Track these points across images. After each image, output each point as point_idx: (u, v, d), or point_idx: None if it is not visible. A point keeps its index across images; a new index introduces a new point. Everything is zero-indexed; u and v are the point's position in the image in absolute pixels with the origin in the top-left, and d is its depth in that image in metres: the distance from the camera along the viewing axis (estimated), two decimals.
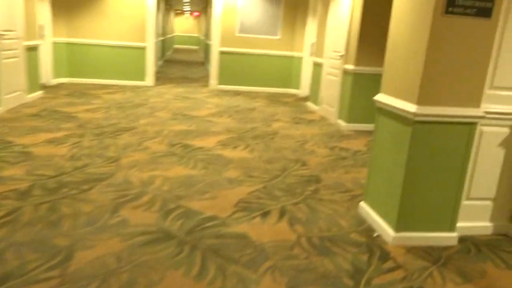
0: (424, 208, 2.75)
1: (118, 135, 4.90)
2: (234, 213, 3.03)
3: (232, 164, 4.15)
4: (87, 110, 6.13)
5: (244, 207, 3.15)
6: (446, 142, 2.64)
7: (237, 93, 8.80)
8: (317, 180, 3.88)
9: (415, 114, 2.53)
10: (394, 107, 2.74)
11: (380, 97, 2.94)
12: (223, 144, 4.83)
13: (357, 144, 5.29)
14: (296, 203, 3.30)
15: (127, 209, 2.96)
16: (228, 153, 4.51)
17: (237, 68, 9.17)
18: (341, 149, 5.02)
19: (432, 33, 2.43)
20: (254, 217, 2.98)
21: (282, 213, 3.09)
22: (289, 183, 3.73)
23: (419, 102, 2.54)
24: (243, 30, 8.95)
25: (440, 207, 2.76)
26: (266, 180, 3.77)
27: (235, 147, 4.74)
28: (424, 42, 2.48)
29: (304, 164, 4.32)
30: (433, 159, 2.66)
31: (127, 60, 8.80)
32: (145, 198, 3.17)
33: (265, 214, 3.05)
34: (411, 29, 2.63)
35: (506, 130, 2.88)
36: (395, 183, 2.76)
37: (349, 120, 6.09)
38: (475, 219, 3.03)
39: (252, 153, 4.56)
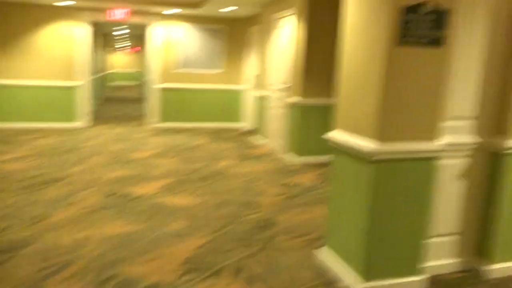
0: (392, 251, 2.52)
1: (46, 187, 4.35)
2: (181, 276, 2.64)
3: (177, 213, 3.76)
4: (11, 160, 5.49)
5: (193, 266, 2.77)
6: (408, 179, 2.46)
7: (180, 131, 8.42)
8: (272, 224, 3.58)
9: (374, 153, 2.33)
10: (351, 145, 2.53)
11: (335, 135, 2.74)
12: (167, 190, 4.43)
13: (309, 179, 5.09)
14: (251, 255, 2.96)
15: (53, 284, 2.48)
16: (172, 200, 4.11)
17: (179, 104, 8.83)
18: (293, 185, 4.79)
19: (386, 65, 2.27)
20: (205, 279, 2.61)
21: (238, 269, 2.75)
22: (242, 231, 3.40)
23: (378, 139, 2.35)
24: (184, 64, 8.68)
25: (409, 248, 2.56)
26: (216, 229, 3.42)
27: (179, 193, 4.35)
28: (379, 74, 2.31)
29: (256, 206, 4.02)
30: (397, 198, 2.46)
31: (59, 101, 8.18)
32: (75, 267, 2.70)
33: (218, 273, 2.68)
34: (364, 62, 2.46)
35: (461, 161, 2.76)
36: (358, 226, 2.53)
37: (298, 153, 5.92)
38: (442, 257, 2.86)
39: (198, 198, 4.19)
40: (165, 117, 8.80)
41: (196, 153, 6.31)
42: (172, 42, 8.56)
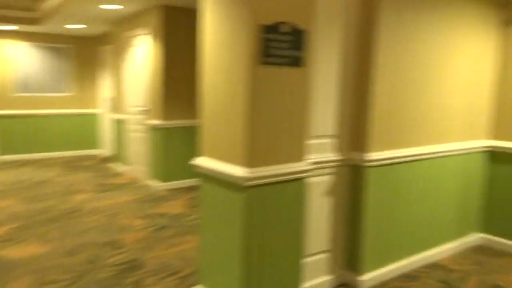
0: (271, 279, 2.38)
1: None
2: None
3: (21, 268, 3.10)
4: None
5: None
6: (281, 202, 2.36)
7: (25, 163, 7.31)
8: (138, 265, 3.18)
9: (245, 179, 2.17)
10: (221, 172, 2.33)
11: (202, 161, 2.51)
12: (6, 240, 3.67)
13: (177, 206, 4.78)
14: None
15: None
16: (13, 252, 3.40)
17: (22, 133, 7.68)
18: (160, 215, 4.42)
19: (249, 86, 2.13)
20: None
21: None
22: (104, 278, 2.93)
23: (247, 164, 2.19)
24: (24, 88, 7.59)
25: (288, 272, 2.44)
26: (72, 281, 2.89)
27: (23, 241, 3.64)
28: (243, 96, 2.17)
29: (118, 246, 3.56)
30: (271, 223, 2.33)
31: None
32: None
33: None
34: (226, 84, 2.30)
35: (326, 178, 2.79)
36: (232, 257, 2.33)
37: (164, 178, 5.56)
38: (318, 275, 2.84)
39: (48, 245, 3.55)
40: (5, 149, 7.57)
41: (45, 189, 5.48)
42: (7, 62, 7.44)
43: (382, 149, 2.87)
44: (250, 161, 2.19)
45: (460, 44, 3.28)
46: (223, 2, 2.27)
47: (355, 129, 2.85)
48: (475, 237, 3.75)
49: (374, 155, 2.81)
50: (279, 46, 2.18)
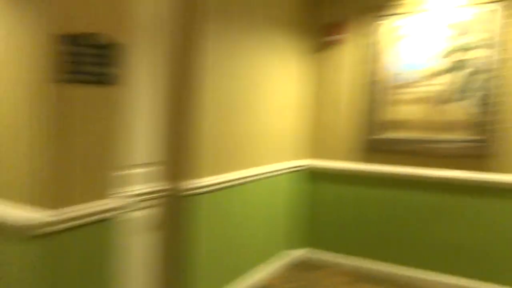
0: None
1: None
2: None
3: None
4: None
5: None
6: (83, 252, 1.88)
7: None
8: None
9: (31, 226, 1.66)
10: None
11: None
12: None
13: None
14: None
15: None
16: None
17: None
18: None
19: (41, 109, 1.70)
20: None
21: None
22: None
23: (37, 206, 1.71)
24: None
25: None
26: None
27: None
28: (31, 122, 1.72)
29: None
30: (69, 280, 1.85)
31: None
32: None
33: None
34: (13, 107, 1.81)
35: (151, 211, 2.47)
36: None
37: None
38: None
39: None
40: None
41: None
42: None
43: (210, 174, 2.72)
44: (41, 203, 1.72)
45: (276, 70, 3.40)
46: (14, 6, 1.81)
47: (183, 155, 2.63)
48: (300, 252, 3.90)
49: (203, 181, 2.65)
50: (84, 60, 1.80)
